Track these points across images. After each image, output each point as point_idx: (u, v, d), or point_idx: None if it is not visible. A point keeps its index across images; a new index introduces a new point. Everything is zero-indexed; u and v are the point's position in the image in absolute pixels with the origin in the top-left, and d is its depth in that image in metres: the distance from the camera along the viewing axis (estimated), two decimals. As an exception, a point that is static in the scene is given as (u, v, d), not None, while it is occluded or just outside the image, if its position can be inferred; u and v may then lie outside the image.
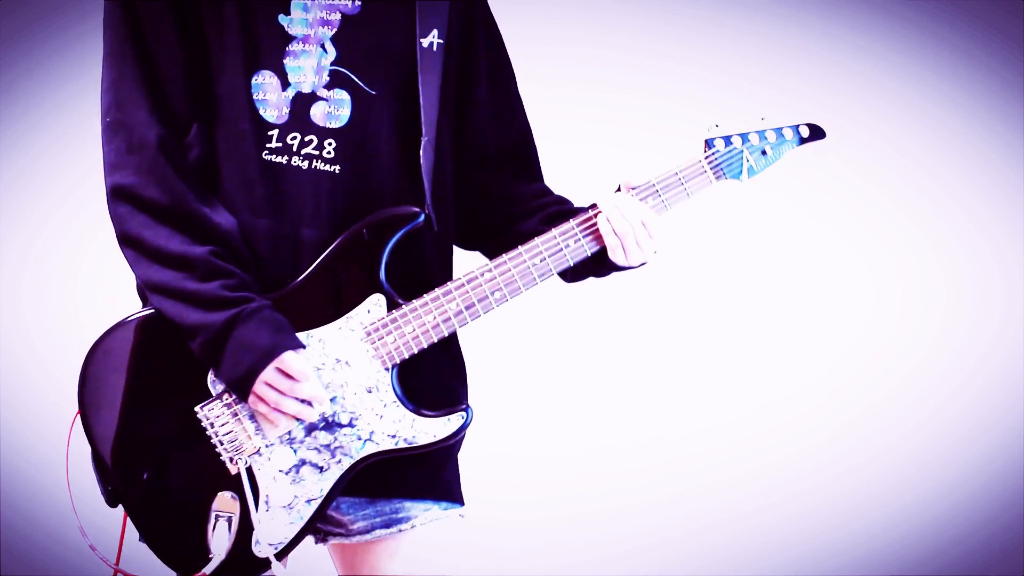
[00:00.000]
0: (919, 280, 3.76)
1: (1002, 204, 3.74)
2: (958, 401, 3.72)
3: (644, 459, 3.74)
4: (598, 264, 2.13)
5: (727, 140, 2.13)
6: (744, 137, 2.14)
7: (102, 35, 2.01)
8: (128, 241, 1.98)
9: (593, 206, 2.11)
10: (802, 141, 2.17)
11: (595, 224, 2.08)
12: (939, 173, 3.75)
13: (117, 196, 1.97)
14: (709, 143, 2.13)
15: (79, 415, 1.99)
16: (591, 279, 2.20)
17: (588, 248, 2.08)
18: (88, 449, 2.01)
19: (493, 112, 2.19)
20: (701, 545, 3.69)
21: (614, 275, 2.16)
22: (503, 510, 3.55)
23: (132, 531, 2.03)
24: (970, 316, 3.73)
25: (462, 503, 2.15)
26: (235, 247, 1.98)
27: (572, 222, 2.08)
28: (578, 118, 3.68)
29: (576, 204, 2.18)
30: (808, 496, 3.71)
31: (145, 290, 2.00)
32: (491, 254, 2.15)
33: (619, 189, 2.11)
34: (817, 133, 2.17)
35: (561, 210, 2.16)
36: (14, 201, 3.64)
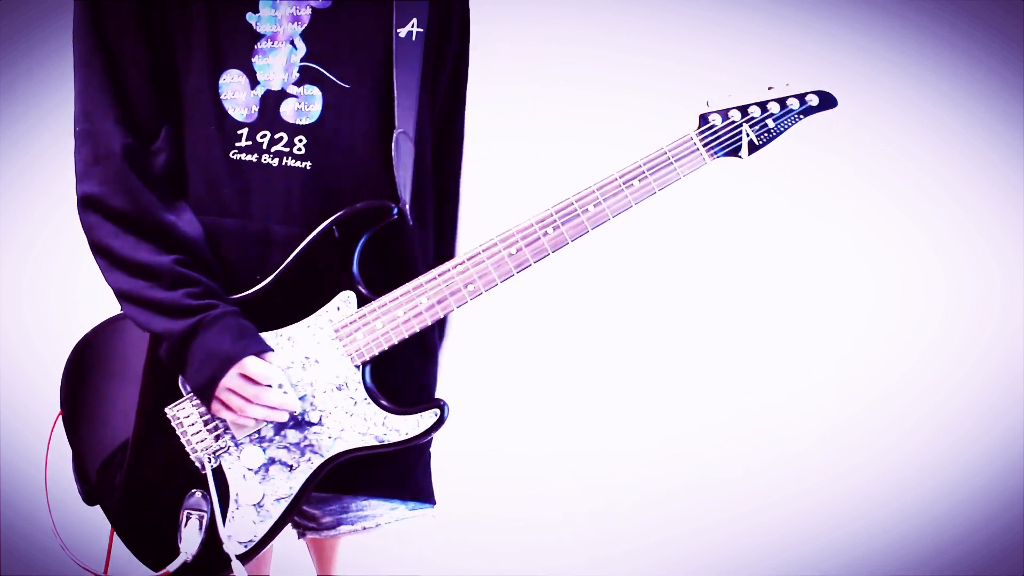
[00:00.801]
0: (919, 280, 3.75)
1: (1002, 204, 3.73)
2: (958, 400, 3.72)
3: (640, 458, 3.73)
4: None
5: (724, 114, 2.00)
6: (743, 110, 2.01)
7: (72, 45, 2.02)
8: (98, 250, 2.01)
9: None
10: (810, 111, 2.01)
11: (574, 211, 2.00)
12: (939, 173, 3.75)
13: (86, 205, 2.00)
14: (704, 118, 2.00)
15: (60, 415, 2.02)
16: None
17: (568, 236, 2.01)
18: (56, 451, 2.04)
19: (444, 108, 2.18)
20: (700, 545, 3.69)
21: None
22: (493, 510, 3.55)
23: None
24: (970, 316, 3.73)
25: (433, 503, 2.14)
26: (201, 255, 1.99)
27: (550, 208, 2.02)
28: (577, 118, 3.68)
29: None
30: (808, 496, 3.71)
31: (116, 297, 2.02)
32: None
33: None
34: (827, 102, 2.01)
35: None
36: (14, 201, 3.64)
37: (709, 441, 3.74)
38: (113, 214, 1.98)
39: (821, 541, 3.68)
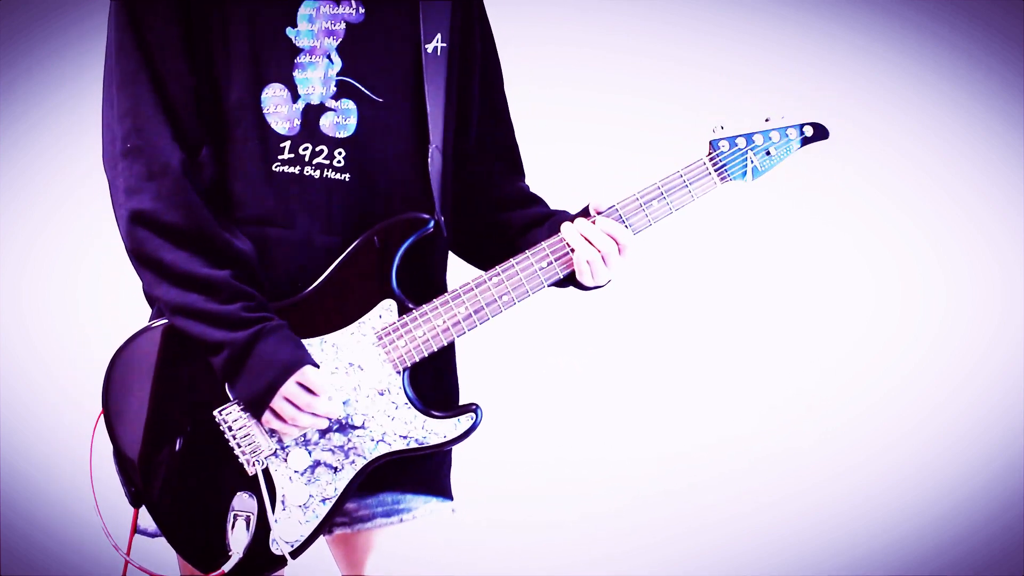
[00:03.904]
0: (919, 280, 3.76)
1: (1002, 204, 3.74)
2: (958, 401, 3.72)
3: (642, 460, 3.74)
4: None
5: (731, 141, 2.13)
6: (748, 138, 2.14)
7: (106, 63, 2.04)
8: (146, 263, 2.00)
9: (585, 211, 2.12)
10: (806, 141, 2.17)
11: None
12: (939, 173, 3.75)
13: (135, 220, 1.99)
14: (713, 144, 2.13)
15: (102, 416, 2.03)
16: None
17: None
18: (95, 450, 2.05)
19: (483, 111, 2.22)
20: (701, 545, 3.69)
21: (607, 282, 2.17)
22: (493, 512, 3.55)
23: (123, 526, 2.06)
24: (970, 316, 3.73)
25: (452, 499, 2.21)
26: (252, 270, 2.02)
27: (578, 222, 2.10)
28: (577, 118, 3.69)
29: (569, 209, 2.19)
30: (808, 496, 3.71)
31: (165, 310, 2.02)
32: (473, 259, 2.22)
33: (586, 211, 2.11)
34: (821, 133, 2.17)
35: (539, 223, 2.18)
36: (14, 201, 3.65)
37: (709, 442, 3.74)
38: (166, 229, 1.99)
39: (821, 541, 3.69)
